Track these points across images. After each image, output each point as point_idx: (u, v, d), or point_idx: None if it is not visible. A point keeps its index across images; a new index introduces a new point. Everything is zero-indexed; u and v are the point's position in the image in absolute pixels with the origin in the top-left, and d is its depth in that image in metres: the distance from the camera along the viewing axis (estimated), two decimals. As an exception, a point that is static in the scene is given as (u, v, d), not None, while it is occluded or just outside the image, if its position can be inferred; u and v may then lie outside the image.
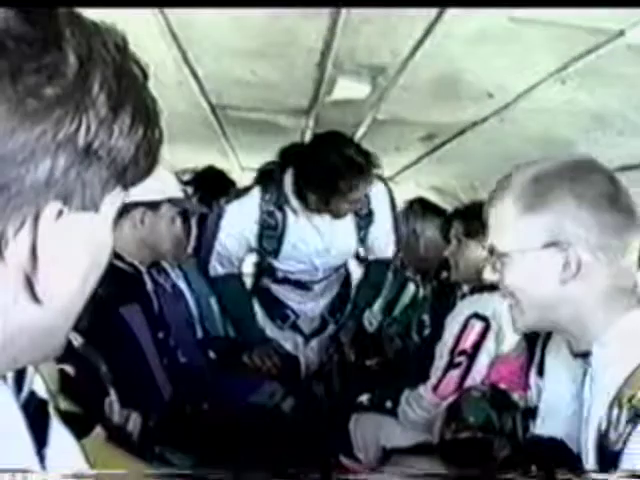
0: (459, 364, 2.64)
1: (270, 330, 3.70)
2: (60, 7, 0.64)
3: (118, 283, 2.42)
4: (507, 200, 1.43)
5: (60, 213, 0.64)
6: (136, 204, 2.67)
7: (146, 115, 0.70)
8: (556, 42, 1.75)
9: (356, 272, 4.01)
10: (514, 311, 1.51)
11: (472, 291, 2.86)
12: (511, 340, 2.48)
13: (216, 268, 3.42)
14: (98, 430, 1.87)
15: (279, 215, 3.31)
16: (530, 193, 1.40)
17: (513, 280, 1.46)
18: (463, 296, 3.02)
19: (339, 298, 3.88)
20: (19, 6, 0.61)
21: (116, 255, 2.58)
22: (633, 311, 1.38)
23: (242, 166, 4.90)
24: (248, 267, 3.85)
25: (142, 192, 2.73)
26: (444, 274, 3.53)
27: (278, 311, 3.76)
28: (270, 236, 3.36)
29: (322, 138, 3.12)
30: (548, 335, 1.68)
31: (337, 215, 3.22)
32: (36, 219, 0.62)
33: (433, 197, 4.28)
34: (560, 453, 1.51)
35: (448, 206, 3.91)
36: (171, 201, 2.74)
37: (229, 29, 1.92)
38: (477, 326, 2.60)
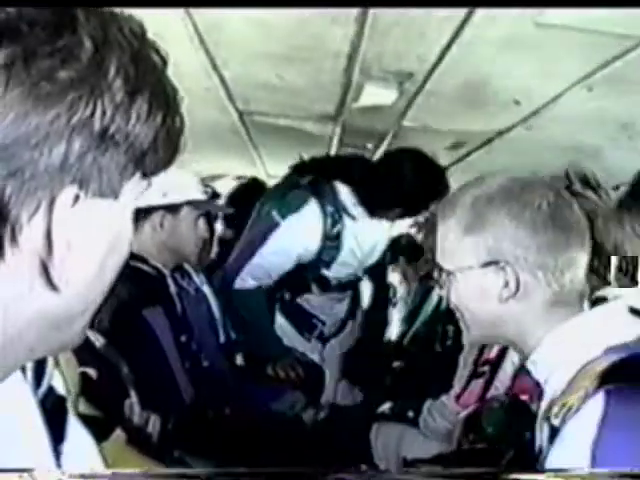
0: (482, 374, 2.62)
1: (298, 343, 3.59)
2: (87, 6, 0.64)
3: (141, 286, 2.44)
4: (450, 220, 1.45)
5: (77, 198, 0.63)
6: (156, 207, 2.69)
7: (165, 102, 0.69)
8: (583, 48, 1.75)
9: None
10: (461, 325, 1.56)
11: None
12: None
13: (245, 280, 3.27)
14: (118, 432, 1.88)
15: (339, 225, 3.29)
16: (471, 214, 1.41)
17: (457, 297, 1.49)
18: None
19: (354, 297, 3.82)
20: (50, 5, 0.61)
21: (139, 258, 2.59)
22: (572, 319, 1.39)
23: (269, 173, 4.91)
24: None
25: (161, 195, 2.78)
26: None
27: (306, 323, 3.65)
28: (330, 247, 3.33)
29: (399, 154, 3.13)
30: None
31: (395, 219, 3.34)
32: (51, 204, 0.62)
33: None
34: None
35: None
36: (192, 204, 2.75)
37: (256, 33, 1.92)
38: None
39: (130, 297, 2.26)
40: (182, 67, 2.12)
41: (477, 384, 2.63)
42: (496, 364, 2.59)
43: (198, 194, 2.81)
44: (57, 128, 0.59)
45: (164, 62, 0.71)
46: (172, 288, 2.71)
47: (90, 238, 0.67)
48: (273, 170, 4.80)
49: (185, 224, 2.76)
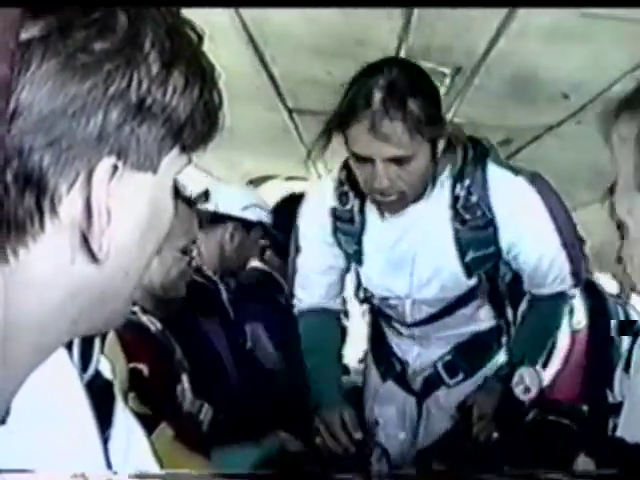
0: None
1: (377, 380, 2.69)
2: (134, 6, 0.65)
3: (195, 295, 2.50)
4: None
5: (115, 169, 0.63)
6: (233, 218, 2.79)
7: (201, 76, 0.69)
8: (630, 39, 1.74)
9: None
10: None
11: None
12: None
13: (300, 299, 2.49)
14: (162, 426, 1.89)
15: None
16: None
17: None
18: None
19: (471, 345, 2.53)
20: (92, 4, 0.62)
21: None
22: None
23: (319, 174, 4.89)
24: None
25: (235, 208, 2.82)
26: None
27: (383, 355, 2.69)
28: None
29: None
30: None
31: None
32: (90, 174, 0.62)
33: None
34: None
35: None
36: (263, 226, 2.81)
37: (303, 29, 1.95)
38: None
39: (184, 306, 2.31)
40: (232, 66, 2.16)
41: None
42: None
43: (268, 218, 2.92)
44: (94, 98, 0.60)
45: (200, 37, 0.71)
46: (224, 294, 2.77)
47: (130, 211, 0.67)
48: (324, 170, 4.78)
49: (250, 243, 2.83)
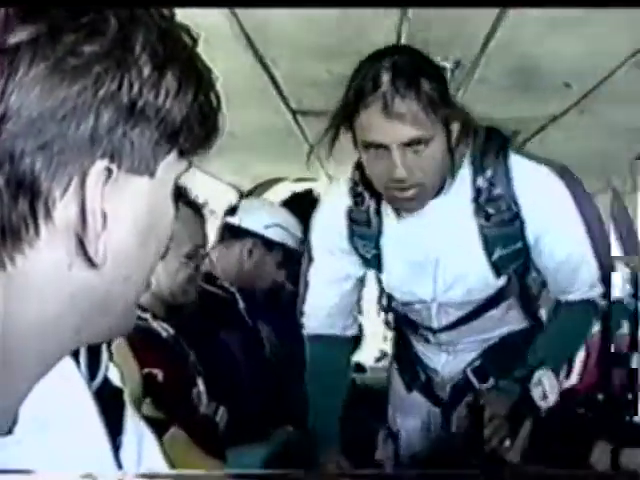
0: None
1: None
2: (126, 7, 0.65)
3: (212, 306, 2.51)
4: None
5: (109, 172, 0.63)
6: (252, 233, 2.83)
7: (196, 80, 0.69)
8: (630, 23, 1.73)
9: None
10: None
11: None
12: None
13: (308, 319, 2.36)
14: (174, 430, 1.90)
15: None
16: None
17: None
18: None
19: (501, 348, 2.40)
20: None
21: (209, 277, 2.66)
22: None
23: (329, 174, 4.88)
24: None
25: (258, 225, 2.84)
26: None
27: (408, 363, 2.57)
28: None
29: None
30: None
31: None
32: (83, 178, 0.62)
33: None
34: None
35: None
36: (285, 248, 2.82)
37: (301, 30, 1.95)
38: None
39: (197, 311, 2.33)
40: (233, 70, 2.17)
41: None
42: None
43: (291, 241, 2.91)
44: (84, 101, 0.60)
45: (194, 41, 0.71)
46: (241, 304, 2.79)
47: (127, 215, 0.67)
48: (333, 170, 4.77)
49: (270, 262, 2.85)
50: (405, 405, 2.55)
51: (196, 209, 2.21)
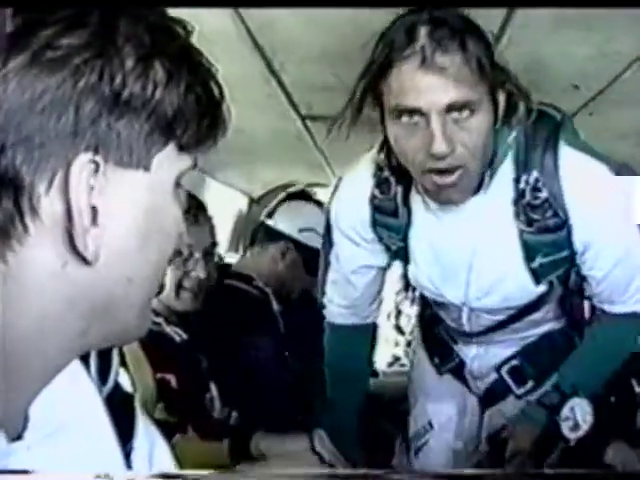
0: None
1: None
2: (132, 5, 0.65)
3: (244, 305, 2.51)
4: None
5: (96, 165, 0.62)
6: (287, 237, 2.86)
7: (191, 71, 0.68)
8: (636, 24, 1.72)
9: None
10: None
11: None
12: None
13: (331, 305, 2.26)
14: (186, 434, 1.90)
15: None
16: None
17: None
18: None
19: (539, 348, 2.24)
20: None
21: (244, 277, 2.67)
22: None
23: (337, 176, 4.87)
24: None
25: (292, 228, 2.88)
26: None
27: (436, 345, 2.42)
28: None
29: None
30: None
31: None
32: (67, 171, 0.61)
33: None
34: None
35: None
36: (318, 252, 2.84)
37: (309, 33, 1.95)
38: None
39: (234, 317, 2.32)
40: (241, 75, 2.17)
41: None
42: None
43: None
44: (63, 93, 0.60)
45: (188, 33, 0.70)
46: (275, 306, 2.81)
47: (122, 211, 0.66)
48: (341, 173, 4.75)
49: (302, 266, 2.89)
50: (436, 390, 2.38)
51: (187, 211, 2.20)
